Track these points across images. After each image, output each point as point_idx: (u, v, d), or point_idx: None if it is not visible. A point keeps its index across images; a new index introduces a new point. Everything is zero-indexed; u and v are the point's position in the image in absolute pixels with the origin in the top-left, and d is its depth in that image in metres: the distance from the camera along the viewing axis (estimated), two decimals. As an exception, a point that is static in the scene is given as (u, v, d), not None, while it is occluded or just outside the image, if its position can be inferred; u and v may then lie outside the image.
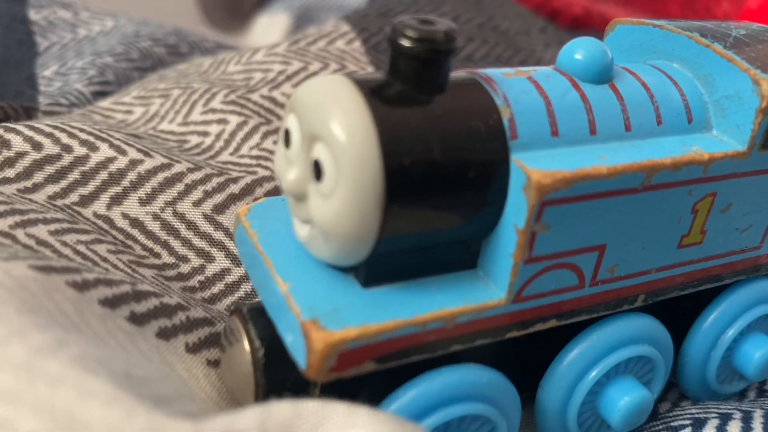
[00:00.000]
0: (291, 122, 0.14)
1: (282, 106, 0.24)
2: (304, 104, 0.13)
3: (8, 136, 0.20)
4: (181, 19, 0.47)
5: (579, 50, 0.15)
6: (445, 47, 0.13)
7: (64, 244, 0.17)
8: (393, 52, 0.13)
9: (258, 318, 0.15)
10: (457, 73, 0.14)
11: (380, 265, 0.14)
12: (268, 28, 0.48)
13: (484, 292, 0.14)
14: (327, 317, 0.13)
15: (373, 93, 0.13)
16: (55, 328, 0.12)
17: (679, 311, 0.18)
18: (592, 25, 0.38)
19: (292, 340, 0.13)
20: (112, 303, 0.15)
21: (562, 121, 0.14)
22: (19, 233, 0.16)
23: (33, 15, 0.35)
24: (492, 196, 0.14)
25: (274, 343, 0.14)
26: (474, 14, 0.30)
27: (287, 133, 0.14)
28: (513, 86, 0.14)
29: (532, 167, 0.13)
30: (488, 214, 0.14)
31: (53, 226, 0.17)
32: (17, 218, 0.17)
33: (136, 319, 0.16)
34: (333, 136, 0.13)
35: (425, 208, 0.13)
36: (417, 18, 0.13)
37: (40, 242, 0.16)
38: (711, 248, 0.16)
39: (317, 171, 0.13)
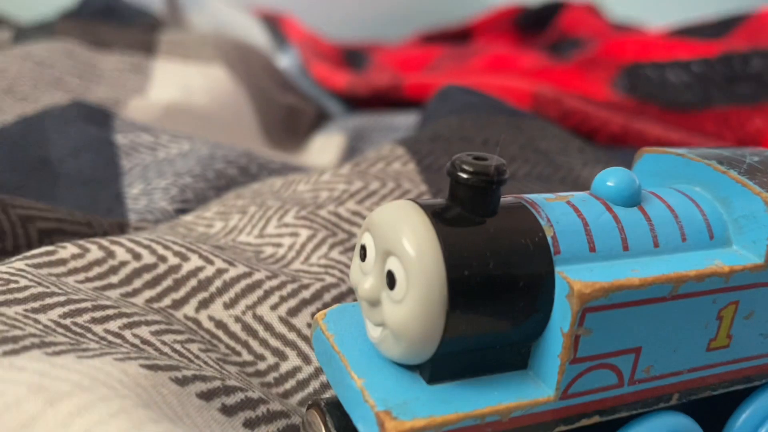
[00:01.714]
0: (367, 239, 0.16)
1: (346, 220, 0.27)
2: (379, 225, 0.16)
3: (113, 247, 0.22)
4: (246, 139, 0.51)
5: (611, 178, 0.17)
6: (496, 179, 0.15)
7: (164, 343, 0.19)
8: (452, 182, 0.16)
9: (334, 411, 0.17)
10: (506, 198, 0.17)
11: (443, 364, 0.16)
12: (324, 147, 0.51)
13: (535, 390, 0.16)
14: (398, 409, 0.15)
15: (437, 215, 0.15)
16: (165, 421, 0.15)
17: (712, 410, 0.19)
18: (629, 143, 0.41)
19: (366, 430, 0.15)
20: (206, 396, 0.17)
21: (598, 239, 0.16)
22: (127, 334, 0.19)
23: (119, 139, 0.40)
24: (540, 304, 0.16)
25: (351, 432, 0.16)
26: (516, 136, 0.33)
27: (363, 249, 0.16)
28: (554, 209, 0.17)
29: (574, 278, 0.15)
30: (537, 320, 0.16)
31: (153, 327, 0.20)
32: (124, 320, 0.19)
33: (227, 411, 0.18)
34: (405, 251, 0.15)
35: (482, 314, 0.15)
36: (471, 154, 0.16)
37: (144, 342, 0.19)
38: (738, 351, 0.18)
39: (390, 280, 0.15)
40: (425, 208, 0.16)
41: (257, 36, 0.78)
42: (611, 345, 0.16)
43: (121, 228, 0.28)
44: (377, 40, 1.04)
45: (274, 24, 0.80)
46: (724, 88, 0.43)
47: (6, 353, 0.16)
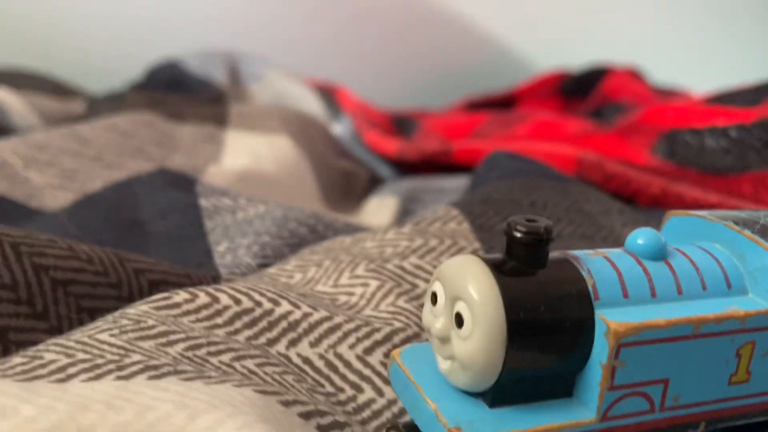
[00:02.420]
0: (437, 287, 0.20)
1: (410, 273, 0.30)
2: (449, 275, 0.20)
3: (217, 294, 0.27)
4: (308, 202, 0.56)
5: (641, 237, 0.21)
6: (545, 237, 0.19)
7: (266, 373, 0.23)
8: (508, 240, 0.19)
9: (411, 431, 0.20)
10: (554, 253, 0.20)
11: (502, 391, 0.19)
12: (378, 209, 0.55)
13: (579, 413, 0.19)
14: (467, 426, 0.18)
15: (496, 267, 0.19)
16: None
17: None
18: (669, 205, 0.44)
19: (441, 442, 0.18)
20: (306, 416, 0.21)
21: (630, 288, 0.20)
22: (237, 365, 0.23)
23: (203, 202, 0.44)
24: (583, 340, 0.19)
25: (426, 446, 0.20)
26: (561, 199, 0.36)
27: (434, 295, 0.20)
28: (594, 263, 0.20)
29: (610, 319, 0.19)
30: (580, 354, 0.19)
31: (256, 360, 0.23)
32: (233, 354, 0.23)
33: (322, 429, 0.21)
34: (471, 296, 0.19)
35: (535, 349, 0.19)
36: (524, 216, 0.20)
37: (251, 372, 0.23)
38: (758, 386, 0.21)
39: (458, 321, 0.19)
40: (486, 261, 0.19)
41: (312, 105, 0.84)
42: (643, 375, 0.19)
43: (215, 280, 0.32)
44: (425, 108, 1.10)
45: (327, 94, 0.86)
46: (761, 152, 0.46)
47: (151, 377, 0.20)
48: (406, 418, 0.25)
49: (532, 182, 0.37)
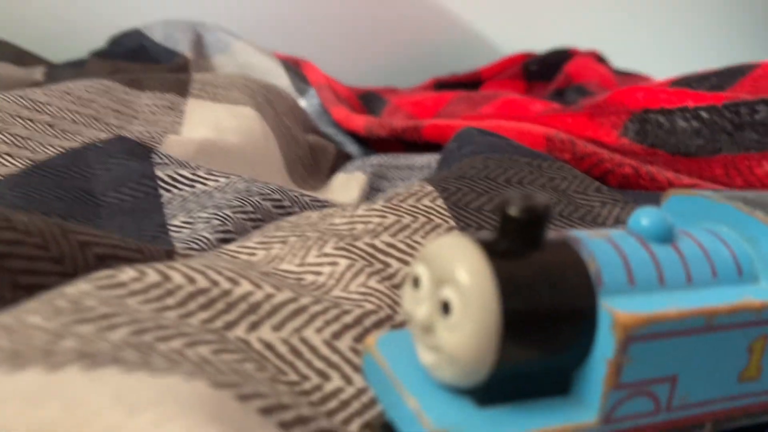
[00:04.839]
0: (421, 270, 0.17)
1: (381, 252, 0.27)
2: (435, 256, 0.16)
3: (169, 272, 0.23)
4: (272, 176, 0.52)
5: (645, 217, 0.18)
6: (544, 216, 0.16)
7: (222, 362, 0.20)
8: (502, 218, 0.16)
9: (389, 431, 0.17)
10: (550, 234, 0.17)
11: (493, 388, 0.16)
12: (346, 185, 0.52)
13: (578, 414, 0.16)
14: (453, 428, 0.15)
15: (488, 248, 0.16)
16: None
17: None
18: (641, 186, 0.41)
19: (423, 447, 0.15)
20: (266, 412, 0.18)
21: (636, 273, 0.17)
22: (188, 352, 0.19)
23: (158, 172, 0.40)
24: (584, 333, 0.16)
25: (404, 450, 0.17)
26: (536, 176, 0.34)
27: (416, 279, 0.17)
28: (596, 245, 0.17)
29: (617, 309, 0.16)
30: (581, 347, 0.16)
31: (212, 347, 0.20)
32: (185, 339, 0.20)
33: (285, 426, 0.18)
34: (460, 281, 0.15)
35: (531, 341, 0.16)
36: (520, 192, 0.16)
37: (205, 360, 0.19)
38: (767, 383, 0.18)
39: (445, 308, 0.16)
40: (477, 241, 0.16)
41: (279, 78, 0.80)
42: (650, 372, 0.16)
43: (169, 255, 0.29)
44: (391, 87, 1.06)
45: (295, 67, 0.82)
46: (732, 135, 0.44)
47: (85, 367, 0.16)
48: (377, 411, 0.22)
49: (506, 158, 0.35)
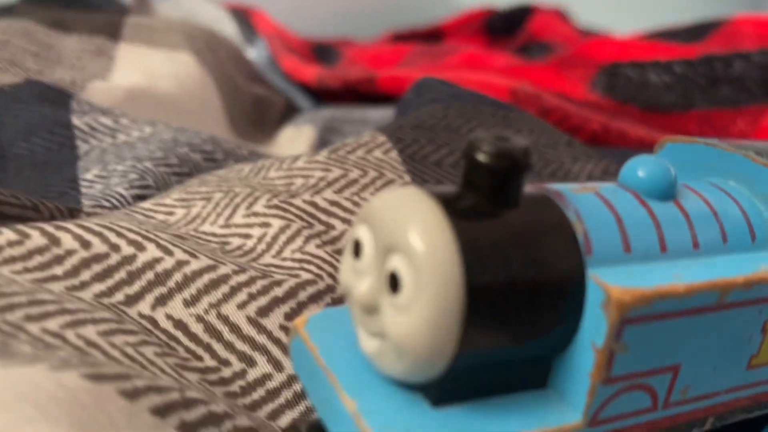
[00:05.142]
0: (363, 233, 0.13)
1: (323, 211, 0.23)
2: (381, 216, 0.13)
3: (58, 234, 0.19)
4: (212, 128, 0.47)
5: (643, 167, 0.14)
6: (522, 163, 0.12)
7: (113, 345, 0.16)
8: (468, 166, 0.13)
9: (318, 434, 0.14)
10: (527, 188, 0.14)
11: (452, 383, 0.12)
12: (293, 139, 0.48)
13: (559, 415, 0.13)
14: (400, 438, 0.12)
15: (450, 205, 0.12)
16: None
17: (738, 429, 0.17)
18: (611, 142, 0.38)
19: (361, 463, 0.12)
20: (162, 411, 0.14)
21: (633, 237, 0.13)
22: (69, 334, 0.15)
23: (75, 120, 0.35)
24: (568, 313, 0.13)
25: (338, 464, 0.13)
26: (504, 128, 0.30)
27: (357, 244, 0.13)
28: (583, 202, 0.14)
29: (611, 283, 0.12)
30: (563, 331, 0.13)
31: (102, 327, 0.16)
32: (67, 318, 0.16)
33: (186, 428, 0.14)
34: (414, 247, 0.12)
35: (503, 324, 0.12)
36: (492, 134, 0.13)
37: (90, 343, 0.15)
38: (778, 369, 0.15)
39: (393, 283, 0.12)
40: (436, 196, 0.12)
41: (226, 27, 0.74)
42: (648, 363, 0.13)
43: (72, 214, 0.24)
44: (347, 37, 1.01)
45: (243, 16, 0.76)
46: (706, 90, 0.41)
47: None
48: (308, 403, 0.18)
49: (469, 108, 0.31)
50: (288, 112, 0.61)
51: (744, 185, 0.16)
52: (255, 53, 0.71)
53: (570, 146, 0.30)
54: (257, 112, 0.57)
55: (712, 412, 0.15)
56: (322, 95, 0.64)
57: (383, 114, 0.50)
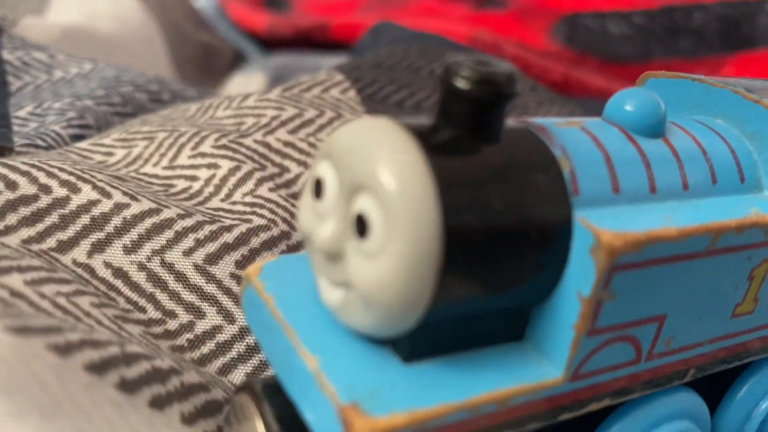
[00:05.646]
0: (325, 170, 0.11)
1: (277, 152, 0.21)
2: (345, 150, 0.11)
3: (-22, 174, 0.16)
4: (156, 73, 0.44)
5: (631, 101, 0.13)
6: (507, 90, 0.11)
7: (42, 296, 0.14)
8: (446, 93, 0.11)
9: (274, 397, 0.12)
10: (509, 121, 0.12)
11: (425, 337, 0.11)
12: (243, 88, 0.45)
13: (538, 369, 0.12)
14: (368, 400, 0.10)
15: (425, 138, 0.11)
16: (33, 413, 0.09)
17: (711, 380, 0.16)
18: (571, 92, 0.37)
19: (323, 427, 0.10)
20: (99, 368, 0.12)
21: (622, 177, 0.12)
22: (-12, 286, 0.13)
23: (6, 55, 0.32)
24: (552, 258, 0.11)
25: (297, 426, 0.11)
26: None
27: (319, 183, 0.11)
28: (569, 136, 0.12)
29: (600, 226, 0.11)
30: (547, 278, 0.11)
31: (29, 275, 0.14)
32: (-15, 268, 0.14)
33: (127, 387, 0.12)
34: (383, 185, 0.10)
35: (483, 271, 0.11)
36: (473, 58, 0.11)
37: (15, 293, 0.13)
38: (760, 318, 0.14)
39: (360, 226, 0.10)
40: (408, 128, 0.11)
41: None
42: (634, 312, 0.12)
43: (1, 153, 0.22)
44: (299, -16, 0.97)
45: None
46: (666, 41, 0.40)
47: None
48: (262, 357, 0.16)
49: (431, 48, 0.29)
50: (237, 62, 0.58)
51: (733, 123, 0.15)
52: (202, 1, 0.67)
53: (534, 91, 0.28)
54: (205, 59, 0.54)
55: (693, 364, 0.14)
56: (272, 44, 0.61)
57: (338, 61, 0.47)
